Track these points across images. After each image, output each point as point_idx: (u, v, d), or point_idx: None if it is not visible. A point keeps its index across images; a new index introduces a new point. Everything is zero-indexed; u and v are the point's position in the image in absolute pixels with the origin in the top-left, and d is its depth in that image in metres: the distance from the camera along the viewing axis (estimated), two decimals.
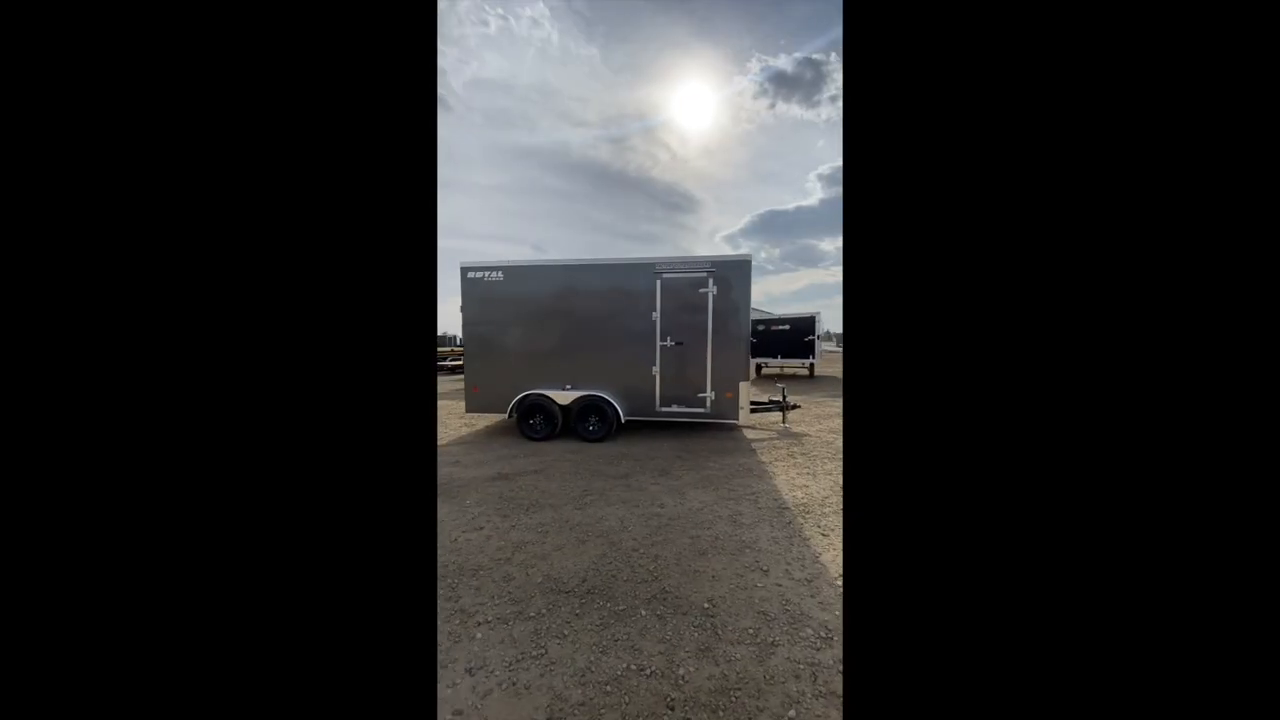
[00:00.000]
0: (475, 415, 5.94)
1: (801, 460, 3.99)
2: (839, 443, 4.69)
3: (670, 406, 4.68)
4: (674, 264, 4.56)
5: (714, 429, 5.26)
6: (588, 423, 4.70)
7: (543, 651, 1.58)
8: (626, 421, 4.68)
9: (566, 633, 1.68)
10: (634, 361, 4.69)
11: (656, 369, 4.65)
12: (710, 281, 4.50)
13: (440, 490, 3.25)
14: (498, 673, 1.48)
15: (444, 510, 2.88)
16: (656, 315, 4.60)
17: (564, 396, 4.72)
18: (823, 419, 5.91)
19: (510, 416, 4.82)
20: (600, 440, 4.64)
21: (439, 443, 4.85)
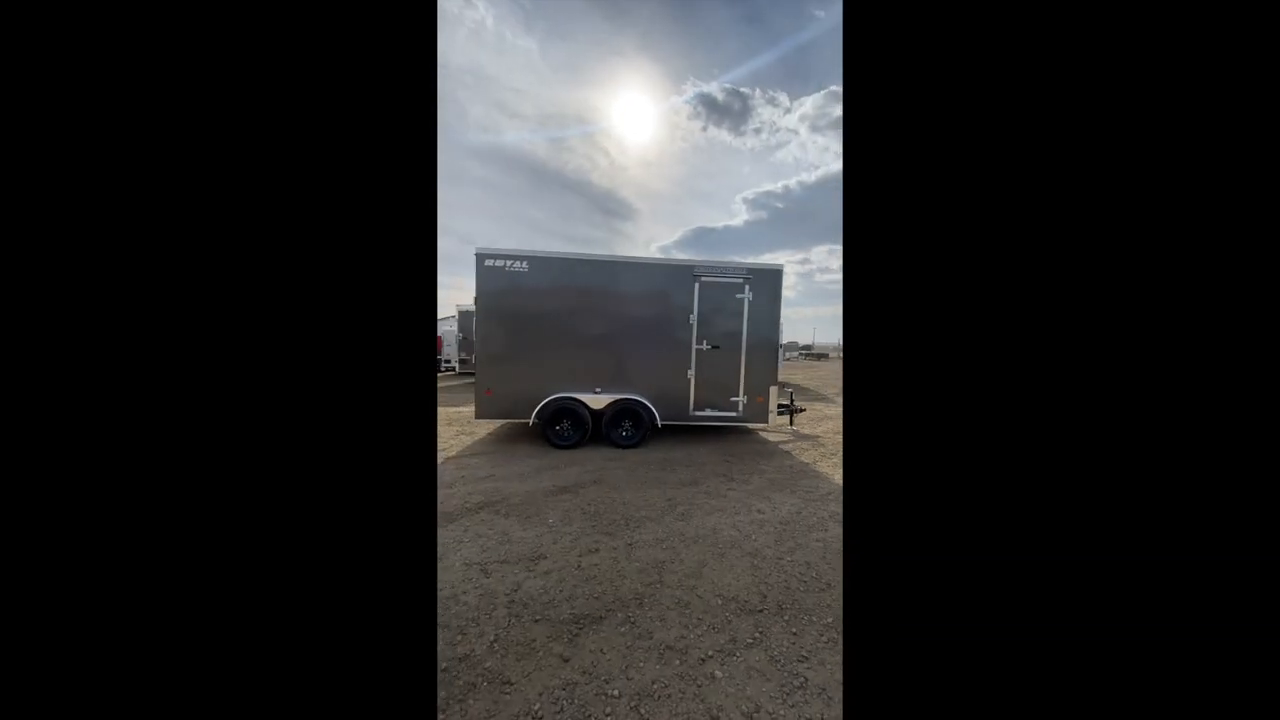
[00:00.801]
0: (468, 423, 5.28)
1: (837, 460, 4.24)
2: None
3: (704, 410, 4.64)
4: (712, 268, 4.56)
5: (733, 433, 5.34)
6: (621, 428, 4.46)
7: (803, 681, 1.44)
8: (662, 426, 4.54)
9: (808, 654, 1.56)
10: (669, 364, 4.57)
11: (692, 372, 4.59)
12: (746, 288, 4.58)
13: (494, 506, 2.81)
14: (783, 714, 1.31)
15: (528, 532, 2.50)
16: (694, 318, 4.55)
17: (597, 401, 4.41)
18: (819, 421, 6.35)
19: (534, 423, 4.36)
20: (634, 446, 4.43)
21: (455, 454, 4.20)
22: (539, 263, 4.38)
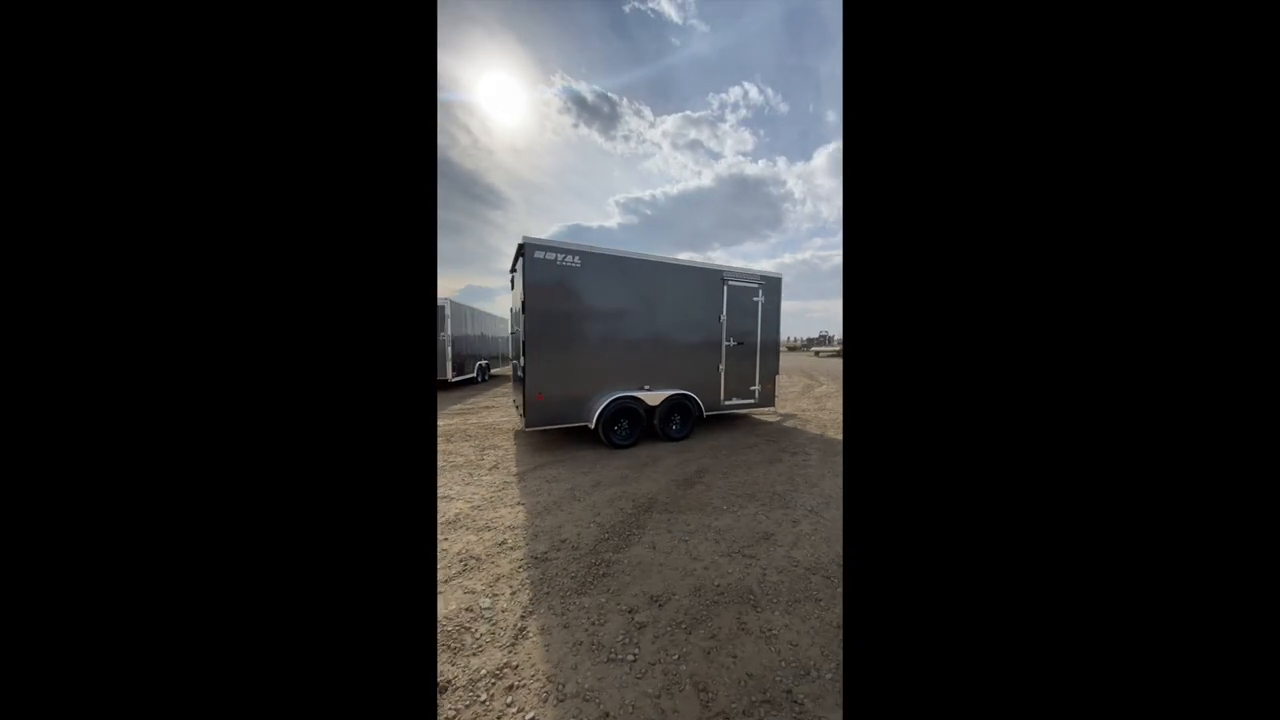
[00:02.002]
0: (491, 436, 4.64)
1: (834, 430, 5.34)
2: (823, 415, 6.34)
3: (731, 399, 5.19)
4: (735, 274, 5.13)
5: (736, 420, 6.02)
6: (672, 422, 4.64)
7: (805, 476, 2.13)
8: (706, 417, 4.87)
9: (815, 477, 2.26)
10: (706, 360, 4.96)
11: (722, 366, 5.08)
12: (760, 292, 5.31)
13: (662, 505, 2.81)
14: None
15: (723, 519, 2.63)
16: (723, 317, 5.04)
17: (652, 398, 4.49)
18: (784, 401, 7.58)
19: (595, 426, 4.17)
20: (685, 438, 4.67)
21: (536, 466, 3.69)
22: (592, 259, 4.21)
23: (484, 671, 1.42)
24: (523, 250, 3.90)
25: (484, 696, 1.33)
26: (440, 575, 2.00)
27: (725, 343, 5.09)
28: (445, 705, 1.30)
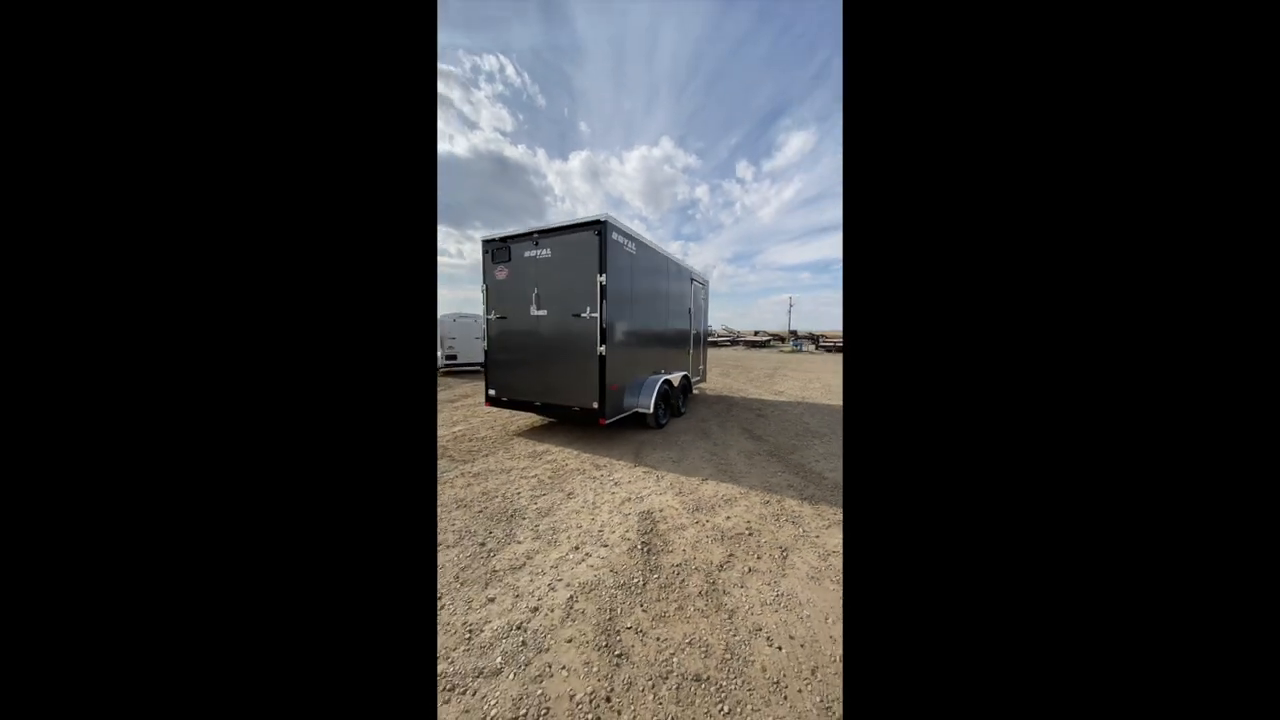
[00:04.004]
0: (503, 437, 3.90)
1: (762, 384, 7.27)
2: (723, 381, 8.13)
3: (695, 379, 6.22)
4: (695, 274, 6.13)
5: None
6: (681, 401, 5.24)
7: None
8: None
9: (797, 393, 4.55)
10: (686, 347, 5.78)
11: (692, 351, 6.03)
12: (702, 290, 6.53)
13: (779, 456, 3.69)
14: None
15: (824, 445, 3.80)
16: (691, 308, 5.97)
17: (674, 379, 4.94)
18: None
19: (653, 409, 4.29)
20: (681, 415, 5.39)
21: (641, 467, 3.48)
22: (642, 248, 4.28)
23: None
24: (603, 229, 3.61)
25: None
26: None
27: (693, 332, 6.08)
28: None
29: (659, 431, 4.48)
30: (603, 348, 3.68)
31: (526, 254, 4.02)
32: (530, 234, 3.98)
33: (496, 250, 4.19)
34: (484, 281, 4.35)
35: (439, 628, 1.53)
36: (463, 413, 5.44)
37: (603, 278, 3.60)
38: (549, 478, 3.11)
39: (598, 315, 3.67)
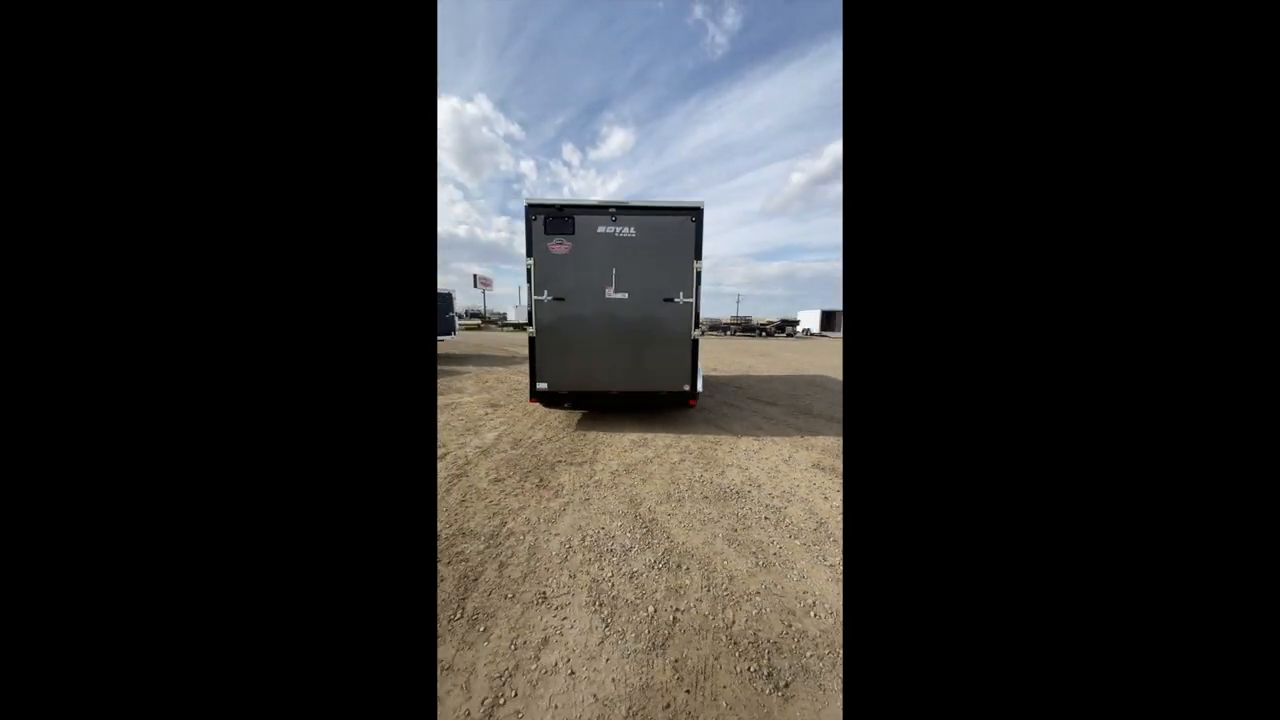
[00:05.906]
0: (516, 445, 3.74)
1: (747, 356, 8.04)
2: None
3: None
4: None
5: None
6: None
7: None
8: None
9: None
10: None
11: None
12: None
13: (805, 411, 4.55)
14: None
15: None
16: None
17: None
18: None
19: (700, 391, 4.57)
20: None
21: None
22: None
23: None
24: (699, 216, 3.72)
25: None
26: None
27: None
28: None
29: (698, 410, 4.81)
30: (697, 331, 3.82)
31: (600, 229, 3.74)
32: (605, 207, 3.70)
33: (553, 219, 3.68)
34: (529, 255, 3.80)
35: None
36: (503, 417, 4.24)
37: (699, 264, 3.74)
38: (706, 468, 3.19)
39: (692, 300, 3.78)
